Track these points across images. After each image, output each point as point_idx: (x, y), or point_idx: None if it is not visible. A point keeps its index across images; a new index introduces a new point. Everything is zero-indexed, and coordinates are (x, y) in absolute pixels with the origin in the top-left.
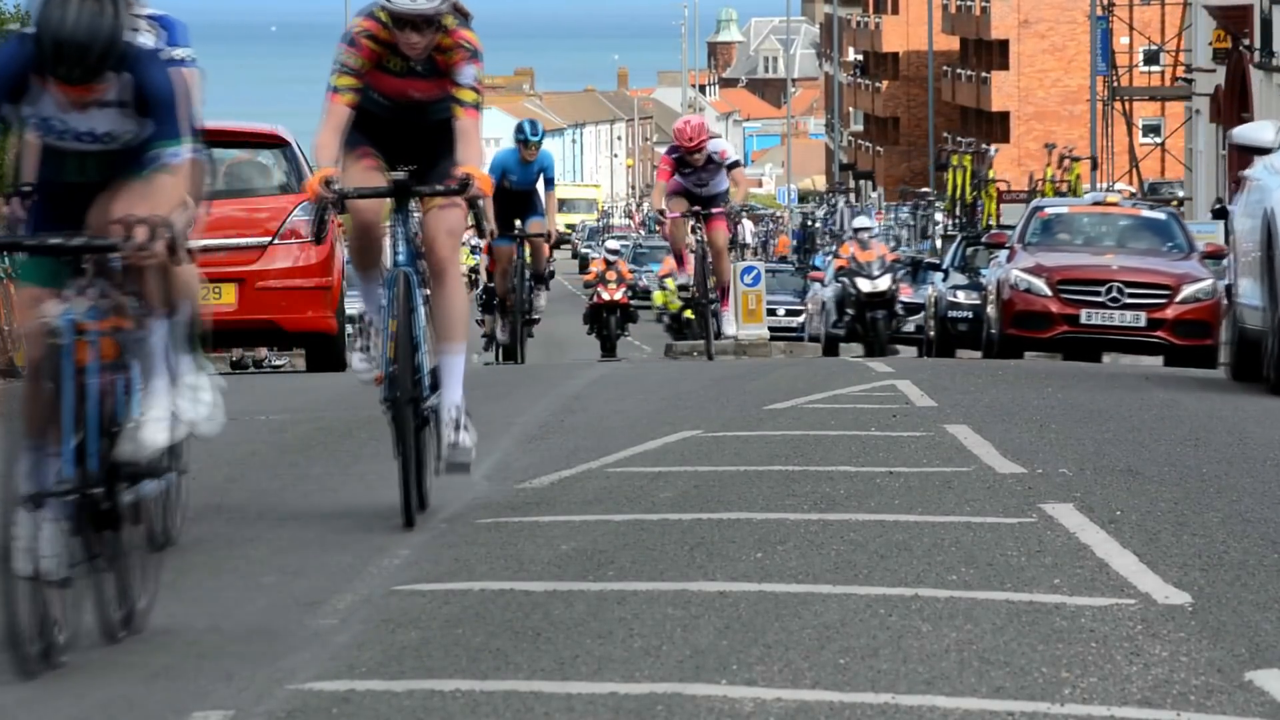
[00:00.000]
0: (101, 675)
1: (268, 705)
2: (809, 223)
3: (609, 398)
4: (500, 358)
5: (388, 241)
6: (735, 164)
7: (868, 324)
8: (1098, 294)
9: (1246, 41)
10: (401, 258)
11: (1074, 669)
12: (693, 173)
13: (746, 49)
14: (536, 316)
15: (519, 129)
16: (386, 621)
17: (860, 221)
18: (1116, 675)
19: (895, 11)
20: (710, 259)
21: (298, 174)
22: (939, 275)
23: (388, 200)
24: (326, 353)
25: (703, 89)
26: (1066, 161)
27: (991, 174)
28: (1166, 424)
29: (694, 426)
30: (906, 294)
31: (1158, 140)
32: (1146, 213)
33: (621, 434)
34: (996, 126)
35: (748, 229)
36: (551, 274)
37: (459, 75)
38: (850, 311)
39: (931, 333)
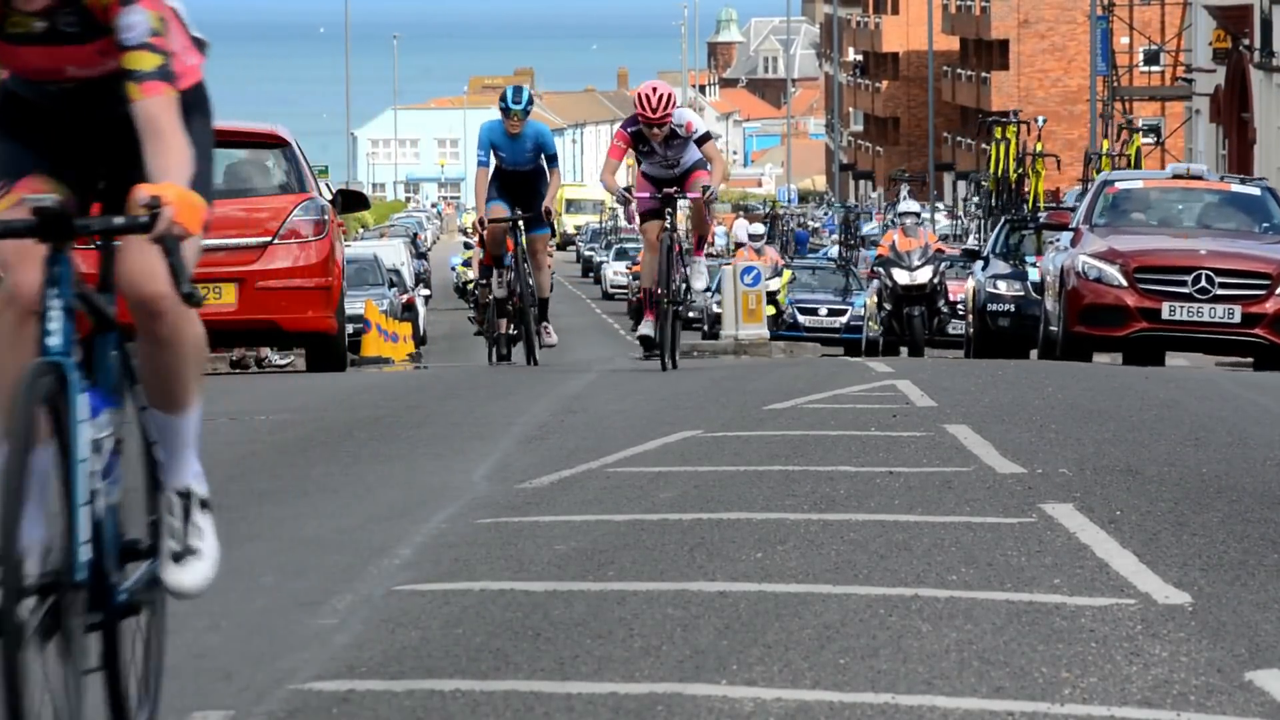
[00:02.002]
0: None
1: (268, 705)
2: (851, 217)
3: (609, 398)
4: (499, 353)
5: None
6: (706, 137)
7: (904, 321)
8: (1183, 284)
9: (1246, 41)
10: (55, 341)
11: (1074, 669)
12: (653, 152)
13: (746, 49)
14: (552, 342)
15: (501, 97)
16: (386, 621)
17: (907, 205)
18: (1116, 675)
19: (895, 11)
20: (675, 250)
21: (298, 174)
22: (979, 264)
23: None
24: (327, 352)
25: (703, 89)
26: (1125, 133)
27: (1039, 147)
28: (1166, 424)
29: (694, 426)
30: (958, 293)
31: (1158, 140)
32: (1236, 187)
33: (621, 434)
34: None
35: (742, 228)
36: (551, 287)
37: (123, 31)
38: (887, 306)
39: (970, 330)
